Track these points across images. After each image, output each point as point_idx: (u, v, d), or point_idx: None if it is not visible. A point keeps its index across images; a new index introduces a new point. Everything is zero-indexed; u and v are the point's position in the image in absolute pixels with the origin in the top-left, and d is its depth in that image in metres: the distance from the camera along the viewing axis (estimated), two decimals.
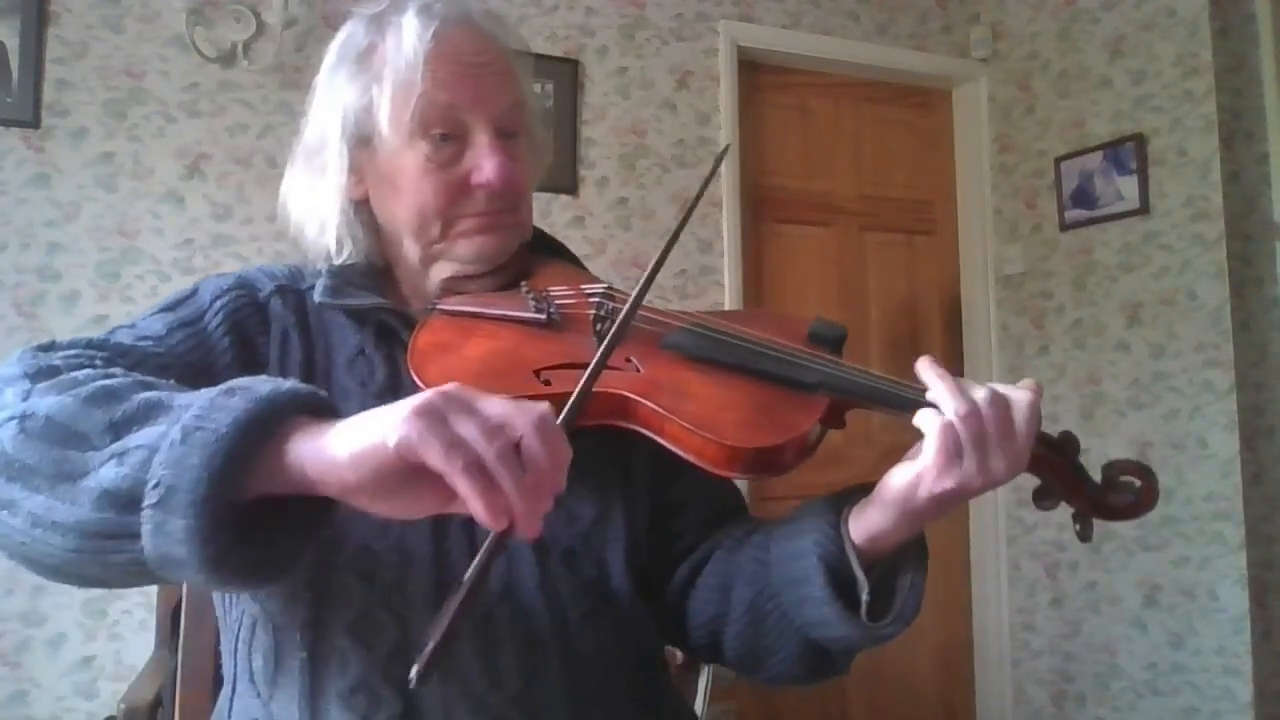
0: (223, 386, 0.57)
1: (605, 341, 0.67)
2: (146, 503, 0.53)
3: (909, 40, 3.20)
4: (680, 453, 0.72)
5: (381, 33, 0.83)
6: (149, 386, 0.61)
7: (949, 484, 0.68)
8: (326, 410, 0.59)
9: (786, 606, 0.77)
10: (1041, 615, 2.99)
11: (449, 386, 0.54)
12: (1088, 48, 2.92)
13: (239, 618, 0.79)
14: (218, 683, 0.97)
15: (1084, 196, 2.90)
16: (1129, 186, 2.77)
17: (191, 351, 0.77)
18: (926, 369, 0.71)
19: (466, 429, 0.52)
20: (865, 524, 0.73)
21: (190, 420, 0.54)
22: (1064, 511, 0.78)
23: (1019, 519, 3.07)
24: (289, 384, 0.58)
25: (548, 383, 0.74)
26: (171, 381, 0.64)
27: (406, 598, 0.73)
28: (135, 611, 2.15)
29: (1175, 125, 2.67)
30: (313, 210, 0.86)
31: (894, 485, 0.71)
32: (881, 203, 3.22)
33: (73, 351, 0.68)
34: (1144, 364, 2.73)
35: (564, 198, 2.65)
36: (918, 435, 0.70)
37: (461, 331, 0.80)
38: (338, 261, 0.85)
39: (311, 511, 0.59)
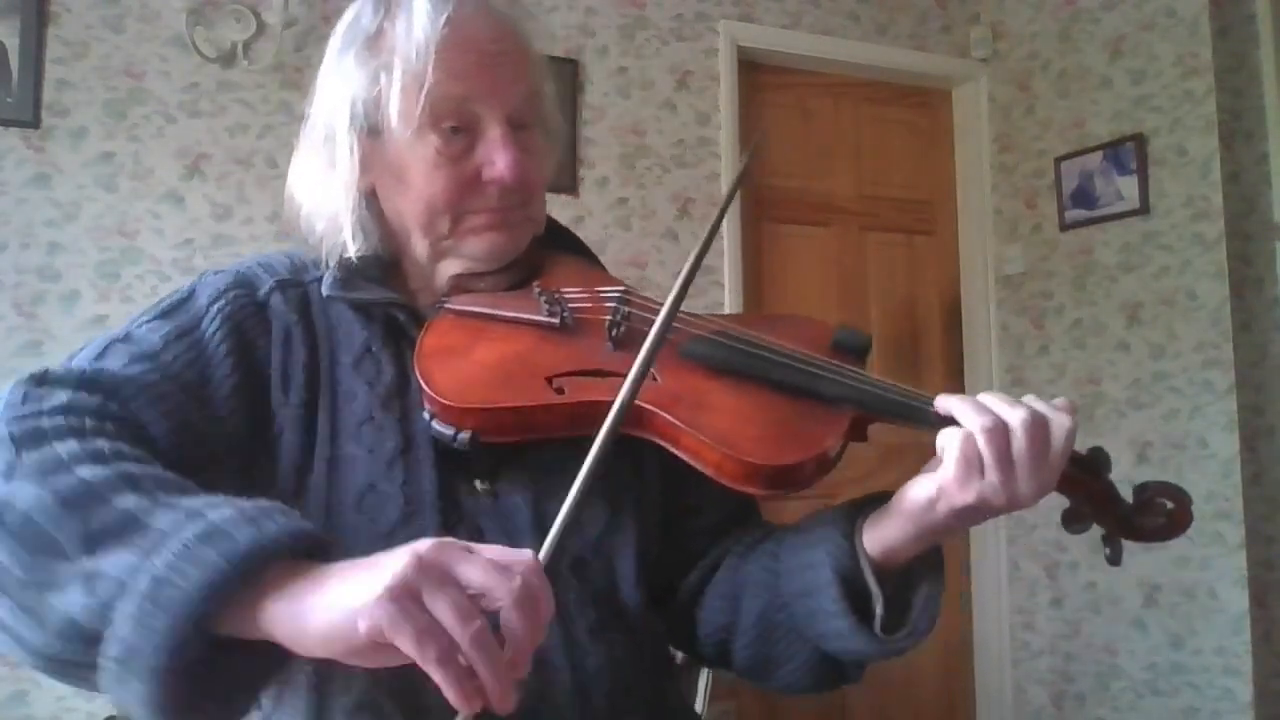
0: (202, 524, 0.53)
1: (633, 371, 0.63)
2: (106, 652, 0.51)
3: (909, 40, 3.20)
4: (697, 466, 0.70)
5: (391, 15, 0.79)
6: (133, 484, 0.57)
7: (969, 499, 0.66)
8: (314, 547, 0.56)
9: (798, 617, 0.76)
10: (1041, 615, 2.99)
11: (427, 549, 0.51)
12: (1088, 48, 2.92)
13: None
14: None
15: (1084, 196, 2.90)
16: (1129, 186, 2.77)
17: (188, 368, 0.73)
18: (946, 398, 0.69)
19: (441, 610, 0.49)
20: (880, 536, 0.72)
21: (162, 570, 0.51)
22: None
23: (1019, 519, 3.07)
24: (271, 531, 0.54)
25: (560, 391, 0.71)
26: (157, 469, 0.61)
27: None
28: None
29: (1175, 125, 2.67)
30: (323, 204, 0.82)
31: (912, 498, 0.69)
32: (881, 203, 3.22)
33: (62, 400, 0.64)
34: (1144, 364, 2.73)
35: (564, 198, 2.65)
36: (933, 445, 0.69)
37: (470, 333, 0.77)
38: (352, 254, 0.81)
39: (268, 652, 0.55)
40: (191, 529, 0.53)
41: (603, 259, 0.98)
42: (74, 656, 0.53)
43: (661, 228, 2.78)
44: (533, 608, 0.51)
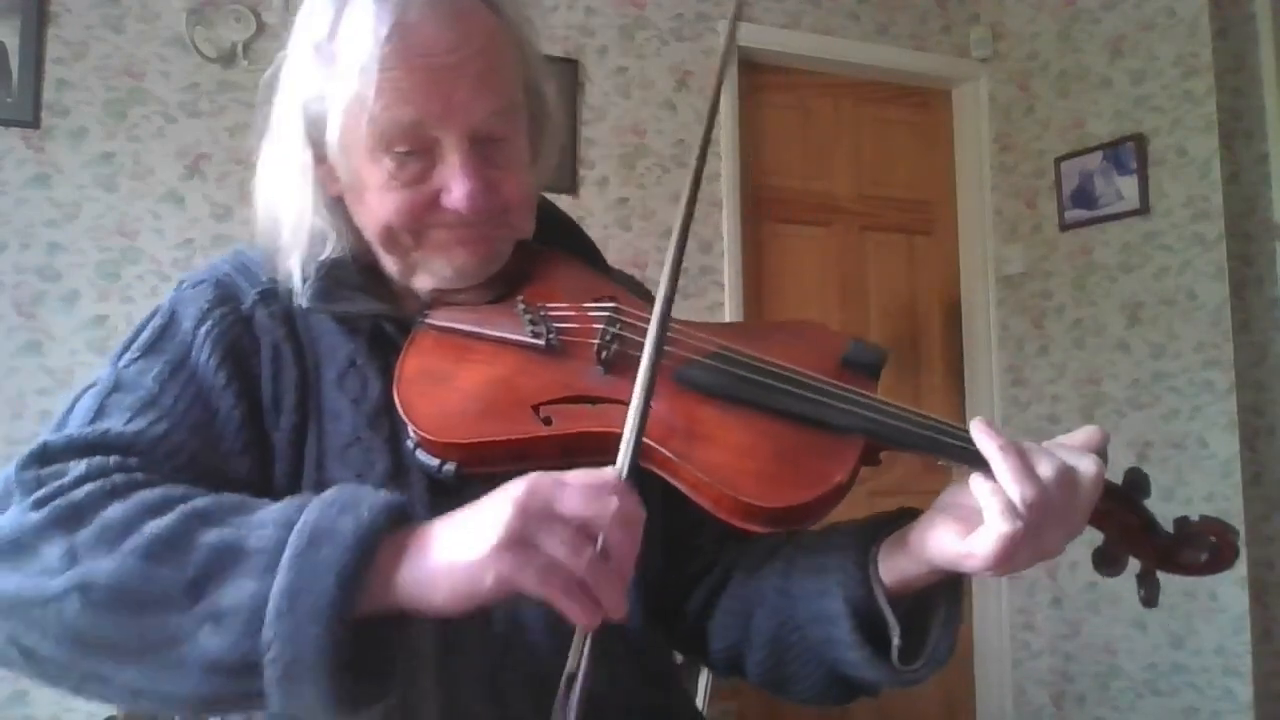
0: (300, 527, 0.55)
1: (635, 407, 0.60)
2: (270, 674, 0.53)
3: (909, 40, 3.20)
4: (696, 500, 0.65)
5: (340, 16, 0.71)
6: (204, 518, 0.57)
7: (1000, 563, 0.62)
8: (405, 516, 0.57)
9: (812, 642, 0.74)
10: (1041, 615, 2.99)
11: (523, 493, 0.54)
12: (1088, 48, 2.92)
13: None
14: None
15: (1084, 196, 2.90)
16: (1129, 186, 2.77)
17: (192, 408, 0.69)
18: (983, 437, 0.63)
19: (554, 547, 0.53)
20: (897, 571, 0.68)
21: (289, 583, 0.53)
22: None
23: None
24: (367, 515, 0.55)
25: (548, 421, 0.67)
26: (211, 495, 0.60)
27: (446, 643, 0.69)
28: None
29: (1175, 125, 2.67)
30: (288, 208, 0.76)
31: (936, 550, 0.65)
32: (881, 203, 3.22)
33: (80, 471, 0.60)
34: (1144, 364, 2.73)
35: (564, 198, 2.65)
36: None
37: (452, 355, 0.73)
38: (323, 256, 0.75)
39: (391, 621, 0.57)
40: (294, 540, 0.54)
41: None
42: (229, 692, 0.55)
43: (661, 228, 2.78)
44: (629, 523, 0.54)
